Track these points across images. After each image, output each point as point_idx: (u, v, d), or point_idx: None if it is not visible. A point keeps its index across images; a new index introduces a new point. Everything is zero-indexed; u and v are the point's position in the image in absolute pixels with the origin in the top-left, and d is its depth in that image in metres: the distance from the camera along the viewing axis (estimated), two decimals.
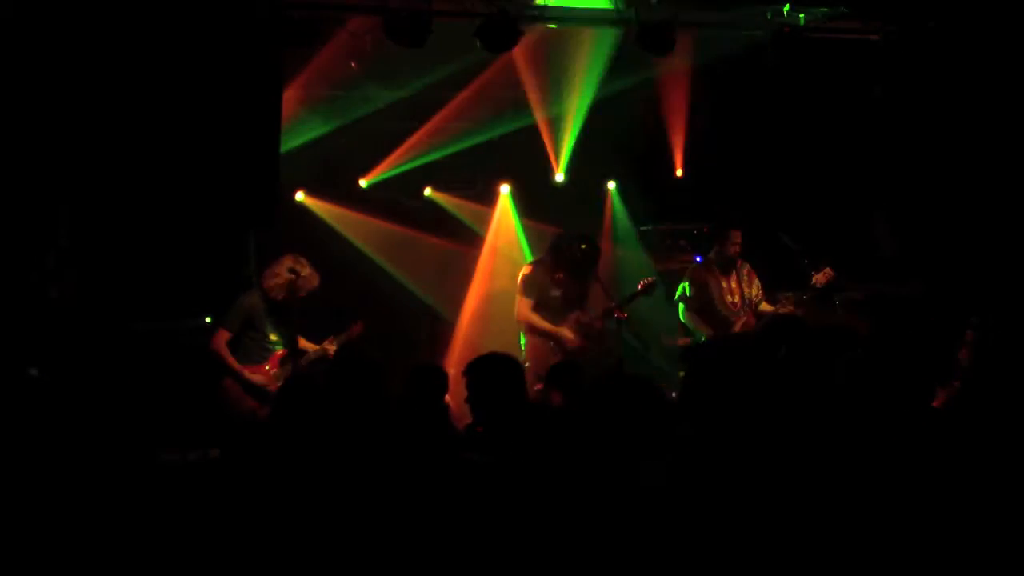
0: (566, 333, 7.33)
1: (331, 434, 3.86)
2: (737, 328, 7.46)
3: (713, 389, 3.82)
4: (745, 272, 7.74)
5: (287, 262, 6.73)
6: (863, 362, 3.98)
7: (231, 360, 6.55)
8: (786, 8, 7.11)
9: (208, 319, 6.98)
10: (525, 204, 9.41)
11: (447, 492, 3.58)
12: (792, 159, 8.47)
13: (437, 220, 9.39)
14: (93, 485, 3.98)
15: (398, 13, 6.61)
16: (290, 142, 8.05)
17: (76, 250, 6.65)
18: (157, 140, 6.71)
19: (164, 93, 6.61)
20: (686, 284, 7.89)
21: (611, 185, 9.21)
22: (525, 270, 7.53)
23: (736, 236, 7.69)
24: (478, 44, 6.82)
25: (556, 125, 8.82)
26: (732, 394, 3.81)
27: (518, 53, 7.61)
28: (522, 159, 9.10)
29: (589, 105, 8.63)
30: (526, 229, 9.25)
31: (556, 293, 7.36)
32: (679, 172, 9.12)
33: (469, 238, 9.48)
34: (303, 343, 6.91)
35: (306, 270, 6.74)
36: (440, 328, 9.17)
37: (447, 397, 5.14)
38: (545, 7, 6.88)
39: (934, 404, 4.30)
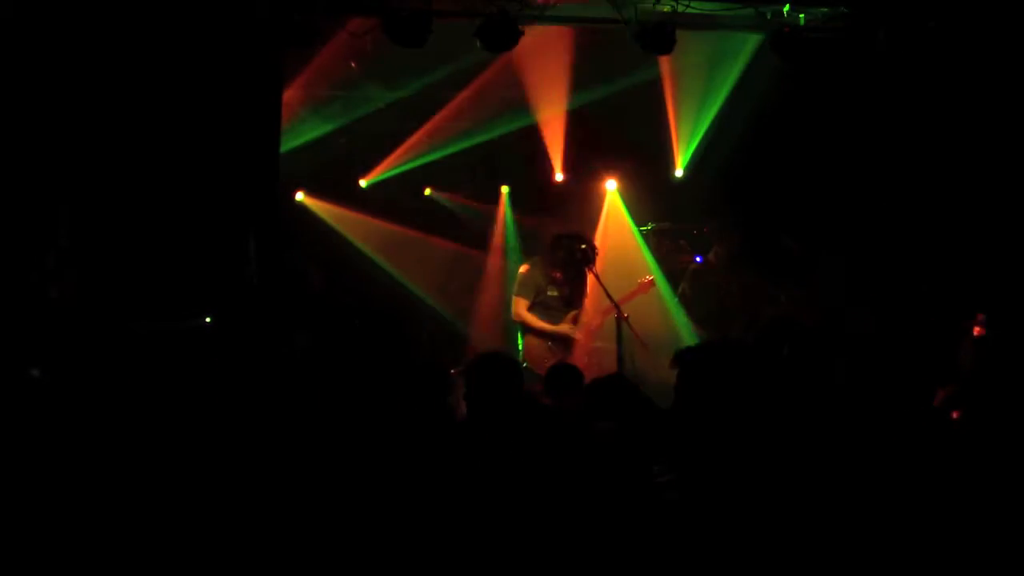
0: (564, 331, 7.32)
1: (334, 430, 3.86)
2: (737, 328, 7.46)
3: (706, 390, 3.83)
4: (745, 272, 7.75)
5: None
6: (862, 362, 3.99)
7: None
8: (786, 8, 7.11)
9: (208, 319, 6.98)
10: (525, 204, 9.41)
11: (450, 489, 3.58)
12: (791, 159, 8.46)
13: (437, 220, 9.39)
14: (93, 485, 3.98)
15: (398, 13, 6.60)
16: (290, 142, 8.06)
17: (76, 250, 6.64)
18: (157, 140, 6.71)
19: (164, 94, 6.61)
20: (686, 284, 7.90)
21: (611, 185, 9.20)
22: (522, 269, 7.53)
23: (734, 237, 7.70)
24: (478, 44, 6.82)
25: (558, 124, 8.83)
26: (726, 395, 3.82)
27: (523, 51, 7.63)
28: (522, 159, 9.10)
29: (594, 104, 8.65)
30: (526, 229, 9.25)
31: (553, 292, 7.36)
32: (679, 172, 9.11)
33: (469, 238, 9.48)
34: None
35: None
36: (440, 328, 9.16)
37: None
38: (545, 7, 6.88)
39: (934, 404, 4.31)
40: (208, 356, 6.65)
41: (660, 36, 6.99)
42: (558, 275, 7.35)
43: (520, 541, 3.34)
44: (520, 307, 7.35)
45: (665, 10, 6.88)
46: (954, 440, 3.66)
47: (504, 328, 8.07)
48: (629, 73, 8.31)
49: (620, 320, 7.26)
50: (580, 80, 8.45)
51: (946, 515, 3.33)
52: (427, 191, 9.47)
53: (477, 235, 9.50)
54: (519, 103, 8.64)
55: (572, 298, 7.47)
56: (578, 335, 7.37)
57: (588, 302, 7.66)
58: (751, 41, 7.95)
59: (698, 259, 8.30)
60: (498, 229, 9.46)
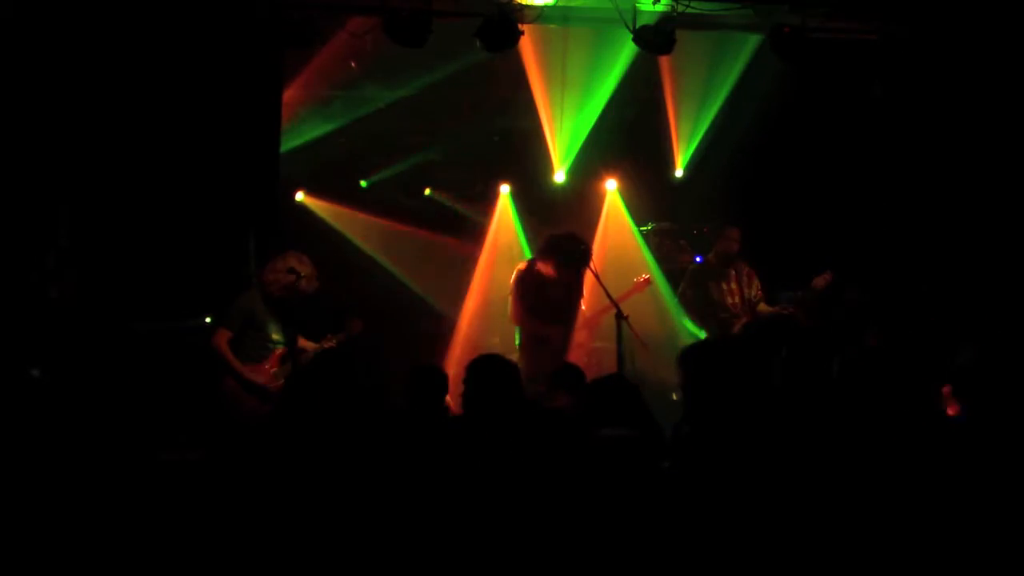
0: (561, 331, 7.32)
1: (332, 433, 3.86)
2: (737, 328, 7.47)
3: (709, 390, 3.83)
4: (745, 272, 7.75)
5: (289, 260, 6.68)
6: (859, 362, 3.99)
7: (232, 359, 6.51)
8: (786, 8, 7.11)
9: (208, 319, 6.97)
10: (525, 204, 9.41)
11: (445, 492, 3.58)
12: (791, 159, 8.46)
13: (437, 220, 9.39)
14: (93, 485, 3.98)
15: (398, 13, 6.61)
16: (290, 142, 8.05)
17: (76, 250, 6.64)
18: (157, 140, 6.72)
19: (164, 93, 6.62)
20: (687, 284, 7.90)
21: (611, 185, 9.20)
22: (518, 270, 7.52)
23: (734, 233, 7.70)
24: (478, 44, 6.82)
25: (558, 124, 8.83)
26: (728, 394, 3.82)
27: (523, 51, 7.63)
28: (522, 159, 9.10)
29: (592, 105, 8.64)
30: (526, 229, 9.25)
31: (549, 293, 7.35)
32: (679, 172, 9.12)
33: (469, 238, 9.47)
34: (303, 342, 6.89)
35: (307, 269, 6.69)
36: (440, 328, 9.16)
37: (447, 397, 5.13)
38: (545, 7, 6.88)
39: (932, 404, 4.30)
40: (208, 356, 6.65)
41: (660, 36, 6.99)
42: (554, 275, 7.34)
43: (519, 539, 3.34)
44: (517, 308, 7.33)
45: (665, 10, 6.89)
46: (951, 438, 3.66)
47: (502, 328, 8.07)
48: None
49: (620, 320, 7.26)
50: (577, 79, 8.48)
51: (943, 513, 3.34)
52: (427, 191, 9.47)
53: (477, 235, 9.50)
54: (519, 103, 8.64)
55: (569, 298, 7.45)
56: (568, 335, 7.36)
57: (585, 301, 7.65)
58: (751, 41, 7.96)
59: (698, 259, 8.30)
60: (497, 229, 9.46)
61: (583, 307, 7.65)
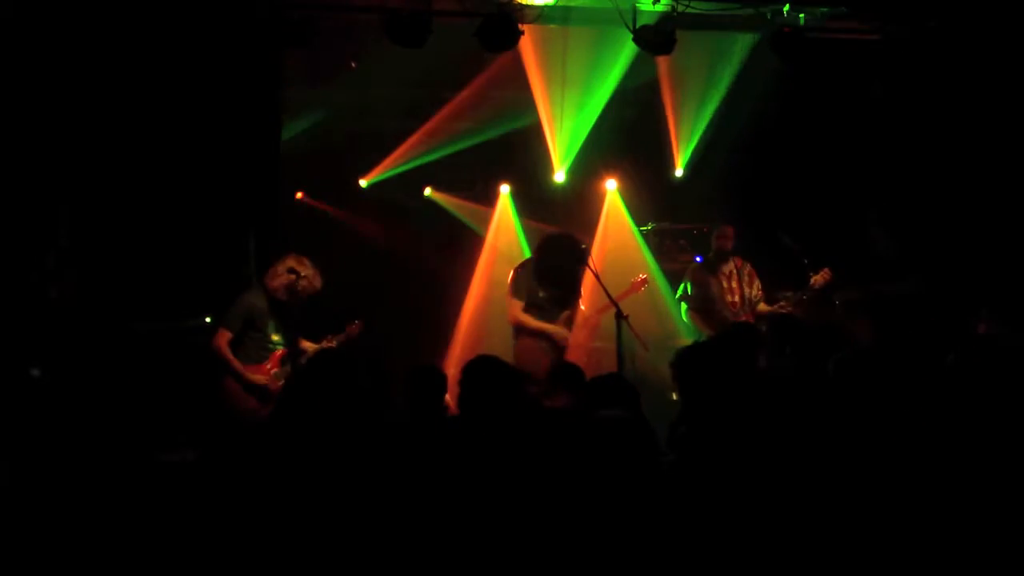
0: (561, 331, 7.32)
1: (330, 433, 3.85)
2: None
3: (703, 391, 3.84)
4: (746, 272, 7.76)
5: (288, 262, 6.69)
6: (855, 361, 4.00)
7: (232, 359, 6.52)
8: (786, 8, 7.11)
9: (208, 319, 6.97)
10: (525, 204, 9.41)
11: (444, 492, 3.58)
12: (791, 159, 8.46)
13: (437, 220, 9.39)
14: (93, 484, 3.99)
15: (398, 13, 6.60)
16: (290, 142, 8.05)
17: (76, 250, 6.64)
18: (157, 140, 6.72)
19: (164, 93, 6.62)
20: (687, 284, 7.90)
21: (611, 185, 9.20)
22: (516, 269, 7.51)
23: (728, 231, 7.71)
24: (478, 44, 6.82)
25: (558, 124, 8.83)
26: (722, 394, 3.82)
27: (523, 51, 7.63)
28: (522, 159, 9.10)
29: (592, 105, 8.65)
30: (526, 229, 9.25)
31: (545, 293, 7.34)
32: (679, 172, 9.12)
33: (469, 238, 9.47)
34: (303, 343, 6.90)
35: (308, 270, 6.70)
36: (440, 328, 9.16)
37: (447, 397, 5.13)
38: (545, 7, 6.88)
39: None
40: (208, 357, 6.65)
41: (660, 36, 6.99)
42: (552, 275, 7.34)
43: (518, 541, 3.34)
44: (515, 308, 7.32)
45: (665, 10, 6.89)
46: (947, 438, 3.67)
47: (501, 329, 8.07)
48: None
49: (620, 320, 7.25)
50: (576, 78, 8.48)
51: (938, 509, 3.35)
52: (427, 191, 9.47)
53: (477, 235, 9.50)
54: (519, 103, 8.64)
55: (566, 298, 7.44)
56: (573, 339, 7.35)
57: (584, 301, 7.65)
58: (750, 40, 7.96)
59: (698, 259, 8.31)
60: (497, 229, 9.46)
61: (582, 307, 7.65)
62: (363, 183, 9.26)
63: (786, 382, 4.59)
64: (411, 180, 9.26)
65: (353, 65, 8.02)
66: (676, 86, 8.72)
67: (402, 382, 4.87)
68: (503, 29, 6.75)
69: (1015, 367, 3.78)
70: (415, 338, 8.61)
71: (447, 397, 5.11)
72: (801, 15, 7.17)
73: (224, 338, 6.53)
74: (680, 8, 6.80)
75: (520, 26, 6.79)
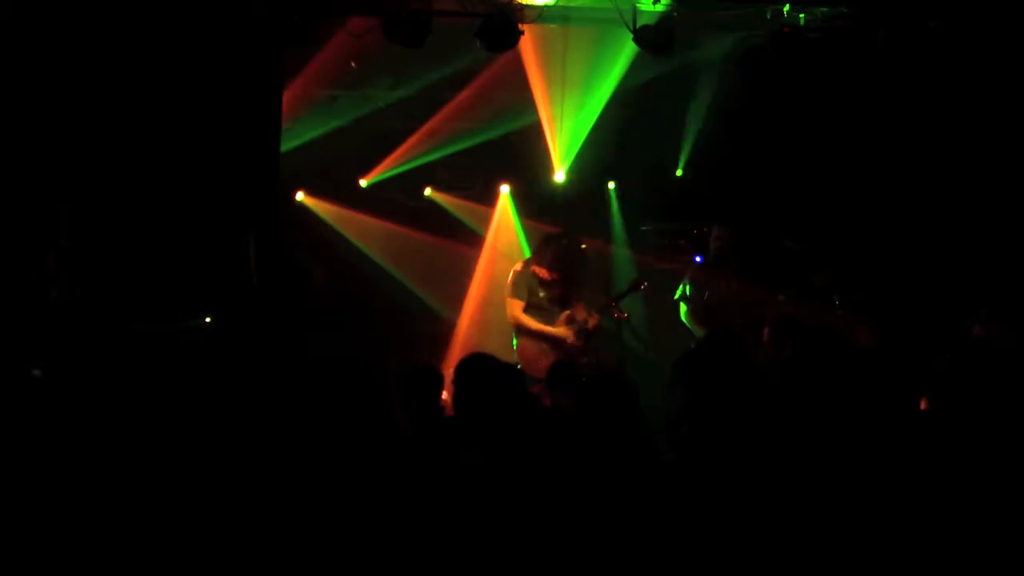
0: (560, 332, 7.32)
1: (328, 436, 3.85)
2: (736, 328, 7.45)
3: (707, 389, 3.84)
4: (745, 272, 7.75)
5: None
6: (851, 362, 4.00)
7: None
8: (786, 8, 7.11)
9: (208, 319, 6.98)
10: (525, 204, 9.41)
11: (444, 494, 3.58)
12: (792, 159, 8.46)
13: (437, 220, 9.39)
14: (92, 485, 3.98)
15: (398, 13, 6.60)
16: (290, 142, 8.05)
17: (76, 250, 6.64)
18: (157, 140, 6.71)
19: (164, 93, 6.61)
20: (686, 284, 7.89)
21: (611, 185, 9.21)
22: (515, 270, 7.52)
23: (723, 234, 7.72)
24: (478, 44, 6.82)
25: (558, 124, 8.83)
26: (726, 394, 3.82)
27: (523, 51, 7.63)
28: (522, 159, 9.10)
29: (592, 105, 8.64)
30: (526, 229, 9.25)
31: (545, 293, 7.34)
32: (679, 172, 9.12)
33: (469, 238, 9.47)
34: None
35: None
36: (439, 328, 9.17)
37: (444, 396, 5.12)
38: (545, 7, 6.88)
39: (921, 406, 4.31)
40: (208, 356, 6.66)
41: (660, 36, 6.99)
42: (549, 275, 7.34)
43: (518, 541, 3.34)
44: (515, 309, 7.33)
45: (665, 10, 6.88)
46: (941, 440, 3.67)
47: (501, 329, 8.07)
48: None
49: (620, 320, 7.26)
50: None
51: (931, 510, 3.36)
52: (427, 191, 9.47)
53: (477, 235, 9.50)
54: (519, 103, 8.64)
55: (564, 298, 7.44)
56: (571, 339, 7.35)
57: (583, 302, 7.65)
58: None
59: (698, 259, 8.30)
60: (497, 229, 9.47)
61: (581, 307, 7.65)
62: (363, 183, 9.26)
63: (785, 381, 4.59)
64: (411, 180, 9.26)
65: (353, 65, 8.02)
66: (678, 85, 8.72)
67: (398, 384, 4.87)
68: (503, 29, 6.75)
69: (1008, 369, 3.78)
70: (415, 338, 8.62)
71: (444, 396, 5.11)
72: (801, 15, 7.16)
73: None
74: (680, 8, 6.80)
75: (520, 26, 6.79)
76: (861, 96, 7.96)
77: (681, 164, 9.07)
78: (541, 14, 6.88)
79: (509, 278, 7.46)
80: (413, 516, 3.47)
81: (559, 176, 8.97)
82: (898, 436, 3.72)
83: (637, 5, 6.95)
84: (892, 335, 6.79)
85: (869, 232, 8.11)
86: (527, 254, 8.59)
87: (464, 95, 8.62)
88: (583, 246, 7.42)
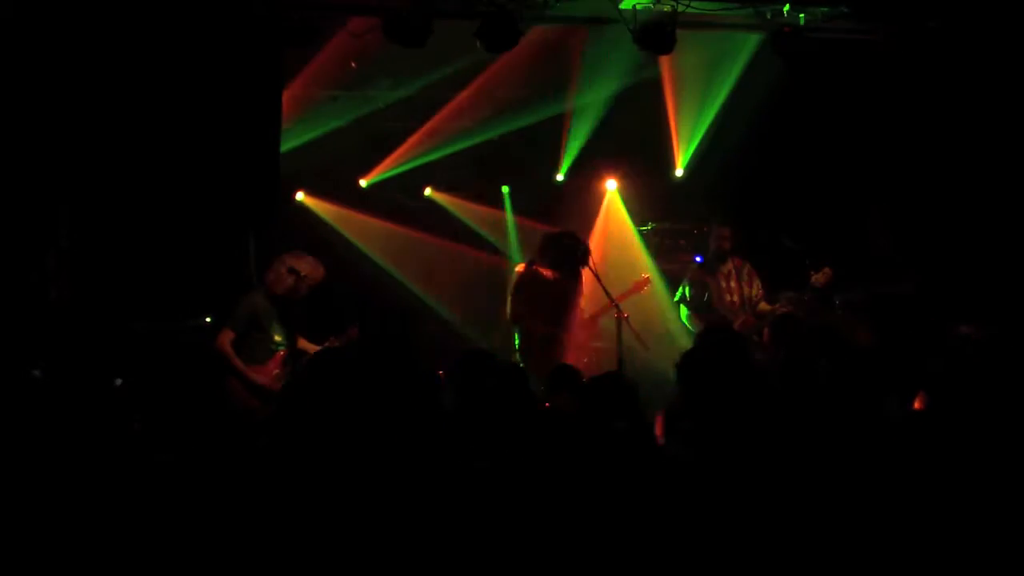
0: (561, 332, 7.33)
1: (330, 434, 3.85)
2: (736, 328, 7.46)
3: (710, 385, 3.84)
4: (745, 272, 7.76)
5: (287, 261, 6.69)
6: (845, 362, 4.00)
7: (236, 360, 6.51)
8: (786, 8, 7.11)
9: (208, 319, 6.98)
10: (525, 204, 9.42)
11: (448, 496, 3.57)
12: (792, 159, 8.47)
13: (437, 220, 9.40)
14: (92, 485, 3.98)
15: (398, 13, 6.60)
16: (290, 142, 8.06)
17: (76, 250, 6.65)
18: (157, 140, 6.71)
19: (164, 93, 6.61)
20: (686, 284, 7.90)
21: (611, 185, 9.21)
22: (518, 269, 7.53)
23: (725, 232, 7.72)
24: (478, 44, 6.82)
25: (559, 124, 8.84)
26: (729, 391, 3.82)
27: (523, 51, 7.63)
28: (522, 159, 9.11)
29: (596, 104, 8.66)
30: (525, 229, 9.26)
31: (549, 293, 7.35)
32: (679, 172, 9.13)
33: (469, 238, 9.49)
34: (303, 343, 6.90)
35: (305, 266, 6.70)
36: (440, 328, 9.18)
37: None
38: (545, 7, 6.88)
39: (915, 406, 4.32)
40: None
41: (660, 36, 6.99)
42: (553, 275, 7.35)
43: (522, 543, 3.34)
44: (517, 307, 7.34)
45: (665, 10, 6.88)
46: (933, 441, 3.67)
47: (502, 329, 8.08)
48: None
49: (620, 320, 7.26)
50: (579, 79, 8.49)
51: (923, 511, 3.36)
52: (427, 191, 9.47)
53: (477, 235, 9.51)
54: (519, 103, 8.65)
55: (566, 298, 7.45)
56: (565, 336, 7.36)
57: (585, 301, 7.66)
58: (751, 40, 7.96)
59: (698, 259, 8.31)
60: (498, 229, 9.48)
61: (583, 307, 7.66)
62: (363, 183, 9.26)
63: (785, 380, 4.59)
64: (411, 180, 9.27)
65: (353, 65, 8.02)
66: (678, 85, 8.72)
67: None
68: (503, 29, 6.74)
69: (998, 370, 3.78)
70: (415, 338, 8.63)
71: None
72: (801, 15, 7.16)
73: (228, 338, 6.51)
74: (680, 8, 6.80)
75: (520, 26, 6.79)
76: (861, 96, 7.96)
77: (682, 164, 9.07)
78: (541, 14, 6.88)
79: (513, 278, 7.49)
80: (415, 516, 3.47)
81: (559, 176, 8.99)
82: (896, 436, 3.72)
83: (637, 5, 6.96)
84: (889, 335, 6.80)
85: (869, 232, 8.11)
86: (526, 254, 8.61)
87: (464, 95, 8.63)
88: (583, 245, 7.42)
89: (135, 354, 6.62)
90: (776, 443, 3.63)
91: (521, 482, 3.56)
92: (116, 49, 6.40)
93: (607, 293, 7.26)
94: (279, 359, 6.67)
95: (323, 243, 8.33)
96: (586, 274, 7.38)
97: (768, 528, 3.28)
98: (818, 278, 7.32)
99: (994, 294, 7.21)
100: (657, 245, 9.09)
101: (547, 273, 7.36)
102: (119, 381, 5.94)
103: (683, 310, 7.87)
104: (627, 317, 7.28)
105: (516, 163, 9.23)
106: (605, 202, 9.27)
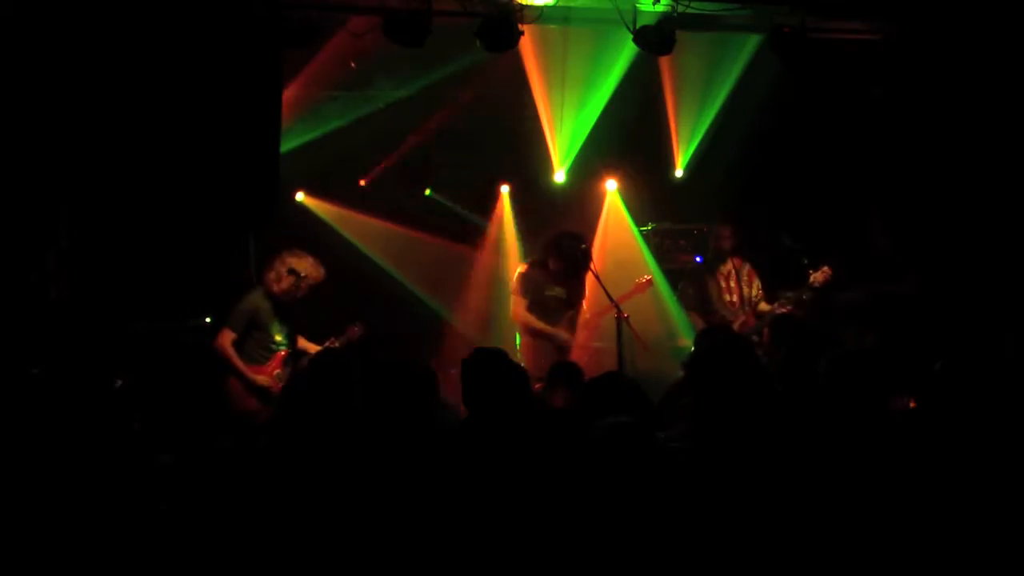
0: (562, 332, 7.34)
1: (330, 434, 3.85)
2: (735, 328, 7.47)
3: (717, 369, 3.84)
4: (745, 272, 7.76)
5: (287, 261, 6.72)
6: (842, 361, 4.01)
7: (236, 360, 6.54)
8: (786, 8, 7.11)
9: (208, 319, 6.98)
10: (525, 204, 9.42)
11: (445, 490, 3.58)
12: (791, 159, 8.47)
13: (437, 220, 9.40)
14: (92, 485, 3.99)
15: (398, 13, 6.60)
16: (290, 142, 8.05)
17: (76, 250, 6.65)
18: (157, 140, 6.71)
19: (164, 93, 6.61)
20: (686, 284, 7.91)
21: (611, 185, 9.21)
22: (520, 269, 7.54)
23: (725, 231, 7.72)
24: (478, 44, 6.82)
25: (558, 124, 8.82)
26: (735, 390, 3.83)
27: (523, 51, 7.63)
28: (522, 159, 9.11)
29: (592, 105, 8.64)
30: (525, 229, 9.26)
31: (551, 292, 7.36)
32: (679, 172, 9.13)
33: (469, 238, 9.48)
34: (303, 343, 6.91)
35: (305, 266, 6.73)
36: (440, 328, 9.17)
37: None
38: (545, 7, 6.88)
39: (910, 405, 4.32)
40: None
41: (660, 36, 6.99)
42: (554, 275, 7.36)
43: (521, 538, 3.34)
44: (519, 307, 7.34)
45: (665, 10, 6.88)
46: (925, 440, 3.67)
47: (501, 328, 8.08)
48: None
49: (620, 320, 7.26)
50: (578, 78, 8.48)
51: (917, 509, 3.37)
52: (427, 191, 9.47)
53: (477, 235, 9.51)
54: (519, 103, 8.64)
55: (571, 298, 7.47)
56: (574, 340, 7.37)
57: (586, 302, 7.66)
58: (751, 41, 7.96)
59: (698, 259, 8.31)
60: (497, 229, 9.47)
61: (584, 307, 7.66)
62: (363, 183, 9.26)
63: (784, 381, 4.59)
64: (411, 180, 9.26)
65: (353, 65, 8.02)
66: (678, 85, 8.72)
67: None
68: (503, 29, 6.75)
69: (1002, 372, 3.78)
70: (415, 338, 8.62)
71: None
72: (801, 15, 7.16)
73: (228, 338, 6.55)
74: (680, 8, 6.80)
75: (520, 26, 6.79)
76: (861, 96, 7.96)
77: (682, 164, 9.07)
78: (541, 14, 6.88)
79: (515, 277, 7.50)
80: (417, 516, 3.47)
81: (559, 176, 8.98)
82: (895, 436, 3.72)
83: (637, 5, 6.96)
84: (889, 335, 6.80)
85: (869, 232, 8.11)
86: (527, 254, 8.61)
87: (464, 95, 8.62)
88: (584, 245, 7.43)
89: (135, 354, 6.62)
90: (776, 443, 3.64)
91: (521, 482, 3.56)
92: (116, 49, 6.40)
93: (608, 294, 7.26)
94: (279, 359, 6.69)
95: (323, 243, 8.32)
96: (588, 274, 7.39)
97: (768, 526, 3.28)
98: (817, 277, 7.32)
99: (994, 294, 7.21)
100: (657, 245, 9.08)
101: (548, 273, 7.36)
102: (119, 381, 5.95)
103: (683, 309, 7.88)
104: (627, 317, 7.28)
105: (516, 163, 9.22)
106: (606, 203, 9.26)
